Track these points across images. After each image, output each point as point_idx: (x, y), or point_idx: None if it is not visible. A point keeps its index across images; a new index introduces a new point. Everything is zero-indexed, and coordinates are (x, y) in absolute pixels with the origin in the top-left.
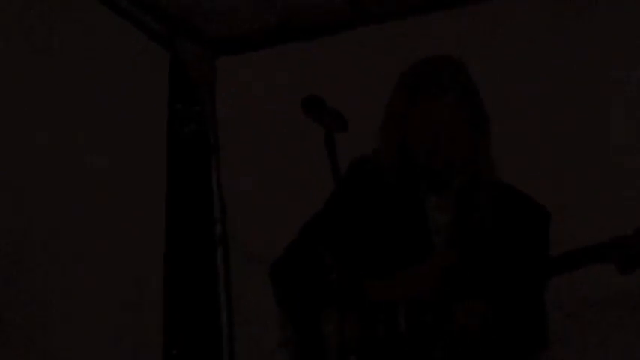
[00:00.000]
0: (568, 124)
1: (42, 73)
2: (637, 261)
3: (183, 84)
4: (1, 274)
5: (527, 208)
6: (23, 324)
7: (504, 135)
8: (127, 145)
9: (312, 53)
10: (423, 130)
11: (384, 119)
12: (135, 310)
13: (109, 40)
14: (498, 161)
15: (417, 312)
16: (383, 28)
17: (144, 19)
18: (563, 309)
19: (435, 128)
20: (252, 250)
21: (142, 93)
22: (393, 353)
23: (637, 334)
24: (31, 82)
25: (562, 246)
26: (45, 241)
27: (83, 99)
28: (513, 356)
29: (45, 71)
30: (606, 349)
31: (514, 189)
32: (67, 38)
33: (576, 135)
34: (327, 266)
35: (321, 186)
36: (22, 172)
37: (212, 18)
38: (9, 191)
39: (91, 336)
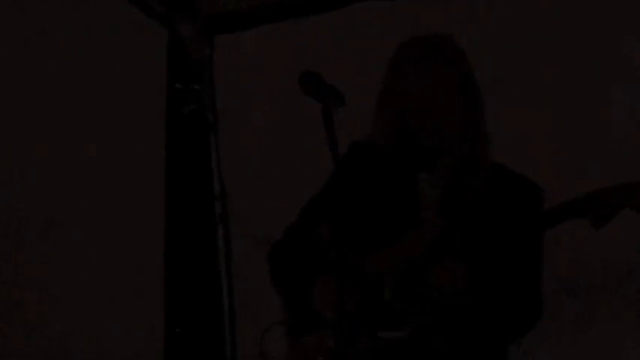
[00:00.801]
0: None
1: (37, 53)
2: (609, 216)
3: (181, 62)
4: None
5: (519, 186)
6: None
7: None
8: (125, 125)
9: (310, 29)
10: (409, 104)
11: (377, 98)
12: (136, 289)
13: (107, 19)
14: (495, 139)
15: (402, 281)
16: (380, 4)
17: None
18: (563, 286)
19: (420, 102)
20: (252, 227)
21: (141, 72)
22: (380, 321)
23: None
24: (27, 62)
25: None
26: (43, 221)
27: (80, 78)
28: (503, 324)
29: (41, 51)
30: (607, 325)
31: (507, 168)
32: (63, 17)
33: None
34: (326, 244)
35: (321, 163)
36: (21, 155)
37: None
38: (6, 173)
39: (91, 317)
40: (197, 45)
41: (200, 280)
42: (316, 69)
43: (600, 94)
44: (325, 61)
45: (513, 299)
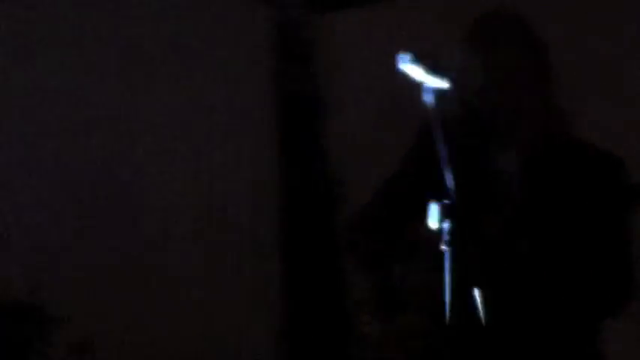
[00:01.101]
0: None
1: (148, 36)
2: None
3: (288, 42)
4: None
5: (597, 160)
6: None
7: None
8: (235, 107)
9: (417, 6)
10: (481, 82)
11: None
12: (255, 278)
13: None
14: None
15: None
16: None
17: None
18: None
19: (490, 80)
20: None
21: (247, 52)
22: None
23: None
24: (142, 47)
25: None
26: (158, 191)
27: (190, 60)
28: (589, 303)
29: (149, 34)
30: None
31: (587, 142)
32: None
33: None
34: (409, 223)
35: None
36: (142, 128)
37: None
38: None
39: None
40: (304, 24)
41: (320, 262)
42: (423, 47)
43: None
44: (432, 40)
45: (600, 277)
